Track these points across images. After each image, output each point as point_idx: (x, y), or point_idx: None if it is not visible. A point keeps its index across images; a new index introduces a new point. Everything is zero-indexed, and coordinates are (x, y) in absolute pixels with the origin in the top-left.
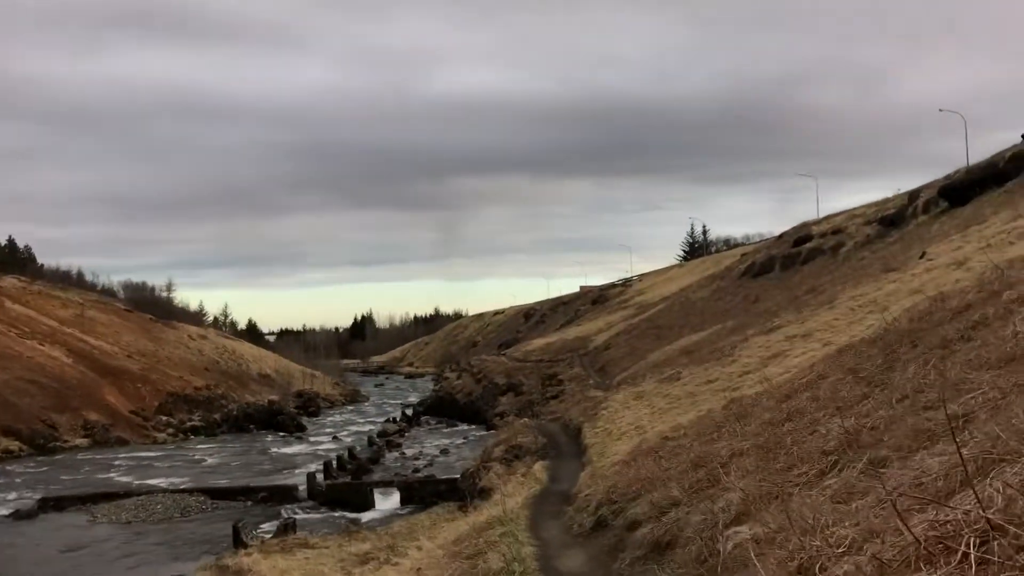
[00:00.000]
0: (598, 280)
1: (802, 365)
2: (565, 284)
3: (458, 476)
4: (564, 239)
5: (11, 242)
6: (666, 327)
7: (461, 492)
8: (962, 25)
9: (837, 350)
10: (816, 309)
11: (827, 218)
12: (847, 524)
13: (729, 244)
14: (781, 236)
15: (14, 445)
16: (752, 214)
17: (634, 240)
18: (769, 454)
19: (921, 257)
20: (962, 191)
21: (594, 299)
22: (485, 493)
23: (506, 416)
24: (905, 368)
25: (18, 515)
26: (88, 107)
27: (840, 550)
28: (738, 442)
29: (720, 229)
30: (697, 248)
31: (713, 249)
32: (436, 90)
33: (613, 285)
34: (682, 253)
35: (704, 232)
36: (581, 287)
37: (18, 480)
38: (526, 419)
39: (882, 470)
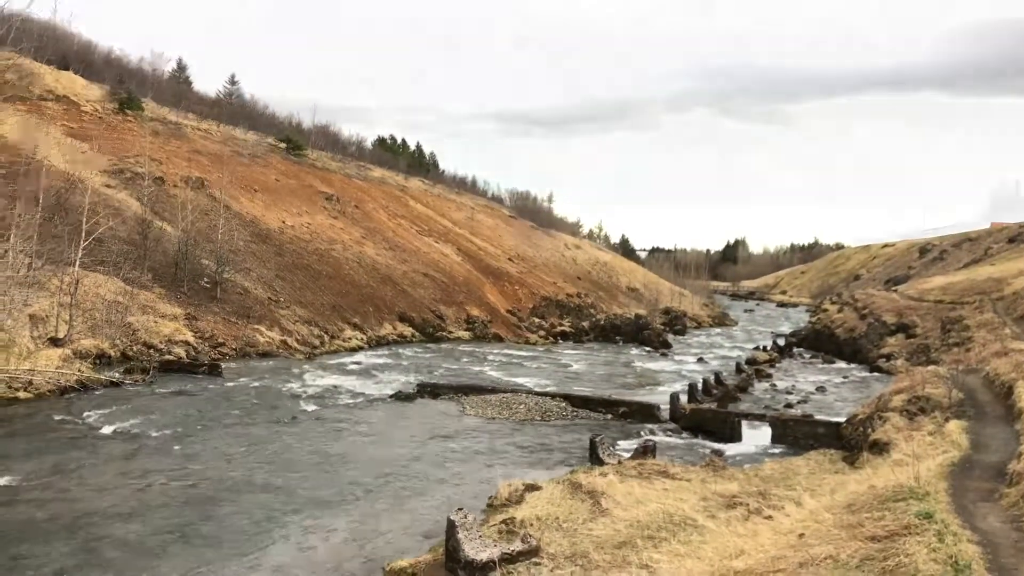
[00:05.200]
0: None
1: None
2: (962, 220)
3: (841, 421)
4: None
5: (419, 148)
6: None
7: (845, 440)
8: None
9: None
10: None
11: None
12: None
13: None
14: None
15: (407, 331)
16: None
17: None
18: None
19: None
20: None
21: (1011, 237)
22: (878, 447)
23: (894, 359)
24: None
25: (399, 396)
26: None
27: None
28: None
29: None
30: None
31: None
32: None
33: None
34: None
35: None
36: (992, 223)
37: (405, 363)
38: (935, 366)
39: None
